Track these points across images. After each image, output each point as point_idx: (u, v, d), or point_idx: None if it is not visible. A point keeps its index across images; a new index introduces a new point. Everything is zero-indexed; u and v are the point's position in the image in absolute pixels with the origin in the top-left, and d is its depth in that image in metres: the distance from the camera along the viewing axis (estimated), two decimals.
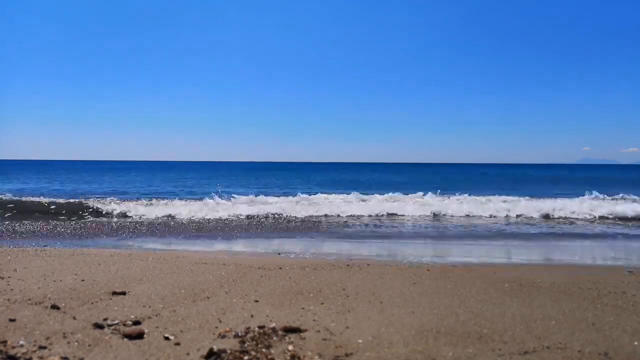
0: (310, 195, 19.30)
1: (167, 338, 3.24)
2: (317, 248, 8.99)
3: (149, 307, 4.05)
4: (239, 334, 3.33)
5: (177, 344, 3.15)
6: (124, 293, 4.51)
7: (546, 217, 14.73)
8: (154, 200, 17.41)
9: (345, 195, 19.25)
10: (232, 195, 18.17)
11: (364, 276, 5.63)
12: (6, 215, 13.90)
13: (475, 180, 44.99)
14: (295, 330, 3.44)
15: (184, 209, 15.21)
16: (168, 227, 12.22)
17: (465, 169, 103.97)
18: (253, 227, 12.50)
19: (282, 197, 18.58)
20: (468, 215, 15.02)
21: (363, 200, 17.80)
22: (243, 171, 69.36)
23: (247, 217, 14.57)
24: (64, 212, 14.72)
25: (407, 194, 19.50)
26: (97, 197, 18.26)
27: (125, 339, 3.20)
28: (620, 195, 18.82)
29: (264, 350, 3.03)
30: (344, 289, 4.89)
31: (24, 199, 16.68)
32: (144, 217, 14.39)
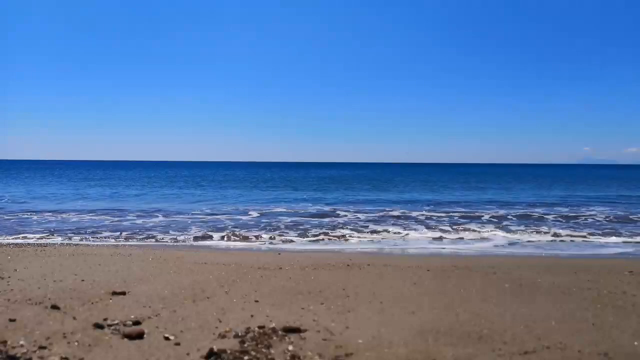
0: None
1: (167, 338, 3.24)
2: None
3: (149, 307, 4.05)
4: (239, 334, 3.33)
5: (177, 344, 3.15)
6: (124, 293, 4.51)
7: None
8: None
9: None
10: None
11: (364, 276, 5.62)
12: None
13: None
14: (295, 330, 3.44)
15: None
16: None
17: (463, 169, 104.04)
18: None
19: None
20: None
21: None
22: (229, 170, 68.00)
23: None
24: None
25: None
26: None
27: (125, 339, 3.20)
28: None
29: (264, 350, 3.02)
30: (344, 289, 4.89)
31: None
32: None
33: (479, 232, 11.80)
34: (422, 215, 15.15)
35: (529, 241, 10.46)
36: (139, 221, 13.27)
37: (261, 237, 10.74)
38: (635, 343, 3.30)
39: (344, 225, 12.74)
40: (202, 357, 2.91)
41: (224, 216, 14.64)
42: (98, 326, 3.44)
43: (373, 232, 11.75)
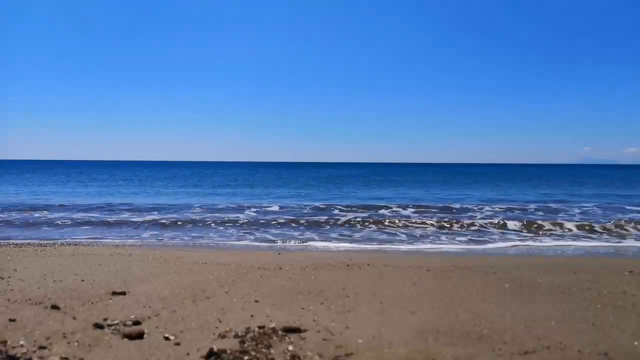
0: None
1: (167, 338, 3.24)
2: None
3: (149, 307, 4.05)
4: (239, 334, 3.33)
5: (177, 344, 3.15)
6: (124, 293, 4.51)
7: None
8: None
9: None
10: None
11: (364, 276, 5.62)
12: None
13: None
14: (295, 330, 3.44)
15: None
16: None
17: (463, 169, 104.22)
18: None
19: None
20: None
21: None
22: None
23: None
24: None
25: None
26: None
27: (125, 339, 3.20)
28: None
29: (264, 350, 3.02)
30: (344, 289, 4.89)
31: None
32: None
33: (471, 231, 11.81)
34: (414, 214, 15.15)
35: (523, 243, 10.48)
36: (137, 219, 13.26)
37: (260, 235, 10.76)
38: (635, 343, 3.30)
39: (339, 224, 12.74)
40: (202, 357, 2.91)
41: (222, 214, 14.63)
42: (98, 326, 3.43)
43: (369, 231, 11.76)
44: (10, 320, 3.53)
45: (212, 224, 12.71)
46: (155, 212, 15.35)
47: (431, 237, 11.08)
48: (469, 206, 17.77)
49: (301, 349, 3.08)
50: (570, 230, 12.15)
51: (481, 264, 6.78)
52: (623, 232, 11.81)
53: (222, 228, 12.18)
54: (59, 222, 12.90)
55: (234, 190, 28.56)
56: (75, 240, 9.82)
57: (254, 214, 15.35)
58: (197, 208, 16.93)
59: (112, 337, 3.24)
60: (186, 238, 10.56)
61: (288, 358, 2.92)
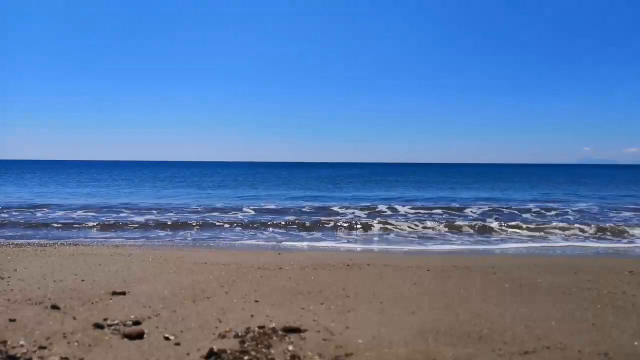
0: None
1: (167, 338, 3.24)
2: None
3: (149, 307, 4.05)
4: (239, 334, 3.33)
5: (177, 344, 3.15)
6: (124, 293, 4.51)
7: None
8: None
9: None
10: None
11: (364, 276, 5.63)
12: None
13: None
14: (295, 330, 3.44)
15: None
16: None
17: (463, 169, 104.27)
18: None
19: None
20: None
21: None
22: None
23: None
24: None
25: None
26: None
27: (125, 339, 3.20)
28: None
29: (264, 350, 3.02)
30: (344, 289, 4.89)
31: None
32: None
33: (470, 231, 11.82)
34: (414, 214, 15.15)
35: (523, 243, 10.48)
36: (137, 219, 13.25)
37: (260, 235, 10.77)
38: (635, 343, 3.31)
39: (339, 224, 12.74)
40: (202, 357, 2.91)
41: (222, 214, 14.63)
42: (98, 326, 3.44)
43: (369, 231, 11.76)
44: (10, 320, 3.53)
45: (212, 224, 12.72)
46: (155, 212, 15.36)
47: (431, 237, 11.10)
48: (469, 206, 17.77)
49: (301, 349, 3.08)
50: (570, 230, 12.15)
51: (481, 264, 6.78)
52: (623, 232, 11.81)
53: (222, 228, 12.19)
54: (59, 222, 12.91)
55: (233, 190, 28.62)
56: (75, 240, 9.83)
57: (253, 213, 15.36)
58: (197, 208, 16.94)
59: (112, 337, 3.24)
60: (186, 238, 10.58)
61: (288, 358, 2.92)
